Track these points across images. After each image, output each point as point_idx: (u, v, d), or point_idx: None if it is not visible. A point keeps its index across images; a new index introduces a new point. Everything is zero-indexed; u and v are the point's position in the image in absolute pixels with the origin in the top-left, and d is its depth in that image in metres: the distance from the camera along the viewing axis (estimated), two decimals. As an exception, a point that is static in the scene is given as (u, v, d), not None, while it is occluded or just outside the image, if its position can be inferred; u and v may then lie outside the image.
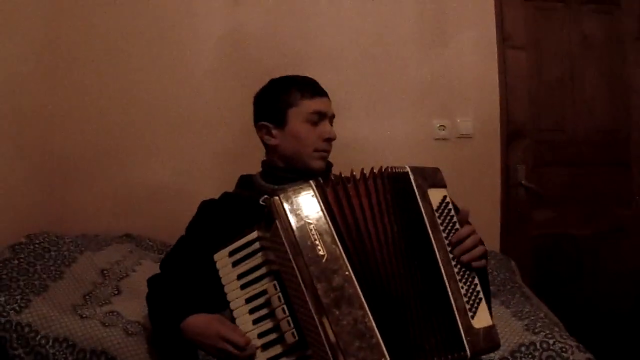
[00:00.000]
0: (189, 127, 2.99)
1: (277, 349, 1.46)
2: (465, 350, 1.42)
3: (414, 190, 1.53)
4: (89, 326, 1.91)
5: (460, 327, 1.43)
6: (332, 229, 1.41)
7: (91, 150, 2.97)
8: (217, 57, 3.00)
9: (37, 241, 2.37)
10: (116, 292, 2.24)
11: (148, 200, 2.99)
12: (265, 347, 1.48)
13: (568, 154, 3.18)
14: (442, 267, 1.48)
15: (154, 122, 2.99)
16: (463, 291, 1.48)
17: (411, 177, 1.54)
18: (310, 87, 1.85)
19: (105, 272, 2.37)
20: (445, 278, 1.47)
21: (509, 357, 1.78)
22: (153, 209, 2.98)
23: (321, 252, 1.38)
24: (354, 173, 1.51)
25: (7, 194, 2.87)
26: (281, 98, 1.83)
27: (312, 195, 1.43)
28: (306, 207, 1.41)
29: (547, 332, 1.85)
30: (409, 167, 1.56)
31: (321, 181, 1.46)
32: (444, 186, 1.59)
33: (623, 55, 3.20)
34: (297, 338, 1.41)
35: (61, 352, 1.85)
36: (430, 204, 1.53)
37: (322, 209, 1.42)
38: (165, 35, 2.99)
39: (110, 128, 2.98)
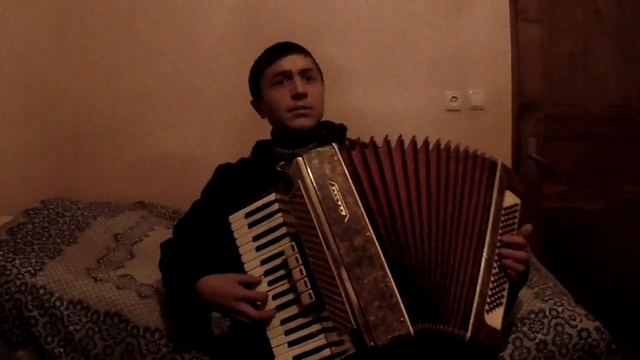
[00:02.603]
0: (201, 96, 3.00)
1: (292, 310, 1.47)
2: (466, 330, 1.42)
3: (495, 179, 1.59)
4: (103, 289, 1.94)
5: (473, 309, 1.44)
6: (355, 190, 1.43)
7: (104, 118, 2.99)
8: (230, 27, 3.00)
9: (51, 206, 2.40)
10: (129, 257, 2.27)
11: (161, 168, 3.00)
12: (279, 308, 1.48)
13: (579, 128, 3.16)
14: (485, 253, 1.50)
15: (166, 91, 3.00)
16: (491, 285, 1.50)
17: (498, 167, 1.62)
18: (271, 53, 1.88)
19: (118, 237, 2.39)
20: (483, 263, 1.49)
21: (518, 324, 1.79)
22: (166, 177, 3.00)
23: (343, 213, 1.40)
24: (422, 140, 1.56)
25: (21, 162, 2.91)
26: (254, 74, 1.92)
27: (335, 157, 1.45)
28: (329, 168, 1.44)
29: (557, 300, 1.85)
30: (500, 161, 1.63)
31: (347, 143, 1.50)
32: (521, 197, 1.65)
33: (636, 30, 3.16)
34: (313, 299, 1.42)
35: (75, 314, 1.88)
36: (502, 201, 1.58)
37: (345, 170, 1.44)
38: (179, 5, 2.98)
39: (123, 96, 2.99)
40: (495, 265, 1.52)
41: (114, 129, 3.00)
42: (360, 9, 3.02)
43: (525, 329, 1.78)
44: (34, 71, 2.93)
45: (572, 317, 1.78)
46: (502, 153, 3.08)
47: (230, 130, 2.98)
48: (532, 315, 1.80)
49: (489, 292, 1.48)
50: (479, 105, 3.06)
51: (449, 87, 3.06)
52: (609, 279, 3.19)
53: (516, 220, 1.61)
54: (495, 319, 1.49)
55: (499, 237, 1.55)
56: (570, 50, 3.13)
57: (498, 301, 1.51)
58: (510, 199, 1.61)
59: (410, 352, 1.43)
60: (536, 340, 1.75)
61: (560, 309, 1.80)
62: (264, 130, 1.93)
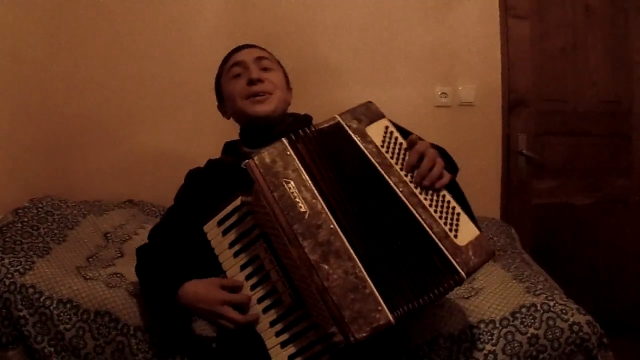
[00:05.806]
0: (191, 93, 3.00)
1: (277, 311, 1.46)
2: (459, 273, 1.37)
3: (351, 136, 1.46)
4: (93, 287, 1.93)
5: (446, 252, 1.38)
6: (311, 183, 1.38)
7: (93, 117, 2.98)
8: (220, 24, 3.00)
9: (41, 205, 2.39)
10: (119, 255, 2.26)
11: (151, 166, 3.00)
12: (266, 310, 1.48)
13: (569, 123, 3.17)
14: (405, 200, 1.41)
15: (157, 88, 3.00)
16: (437, 215, 1.41)
17: (343, 124, 1.48)
18: (229, 53, 1.92)
19: (108, 235, 2.39)
20: (412, 210, 1.40)
21: (510, 318, 1.79)
22: (156, 175, 3.00)
23: (302, 209, 1.35)
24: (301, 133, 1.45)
25: (10, 160, 2.88)
26: (216, 77, 1.97)
27: (287, 152, 1.40)
28: (282, 165, 1.38)
29: (548, 294, 1.86)
30: (338, 115, 1.49)
31: (293, 137, 1.42)
32: (382, 116, 1.54)
33: (626, 27, 3.17)
34: (294, 298, 1.41)
35: (65, 313, 1.87)
36: (373, 142, 1.47)
37: (299, 165, 1.39)
38: (169, 3, 2.98)
39: (112, 95, 2.99)
40: (422, 196, 1.43)
41: (103, 127, 2.99)
42: (350, 5, 3.03)
43: (517, 323, 1.78)
44: (22, 70, 2.90)
45: (564, 311, 1.78)
46: (492, 149, 3.10)
47: (221, 127, 2.93)
48: (524, 310, 1.81)
49: (442, 222, 1.41)
50: (469, 101, 3.07)
51: (439, 83, 3.06)
52: (599, 274, 3.21)
53: (400, 140, 1.50)
54: (467, 231, 1.42)
55: (403, 172, 1.45)
56: (560, 46, 3.14)
57: (455, 216, 1.44)
58: (378, 129, 1.51)
59: None
60: (528, 335, 1.76)
61: (551, 303, 1.81)
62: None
